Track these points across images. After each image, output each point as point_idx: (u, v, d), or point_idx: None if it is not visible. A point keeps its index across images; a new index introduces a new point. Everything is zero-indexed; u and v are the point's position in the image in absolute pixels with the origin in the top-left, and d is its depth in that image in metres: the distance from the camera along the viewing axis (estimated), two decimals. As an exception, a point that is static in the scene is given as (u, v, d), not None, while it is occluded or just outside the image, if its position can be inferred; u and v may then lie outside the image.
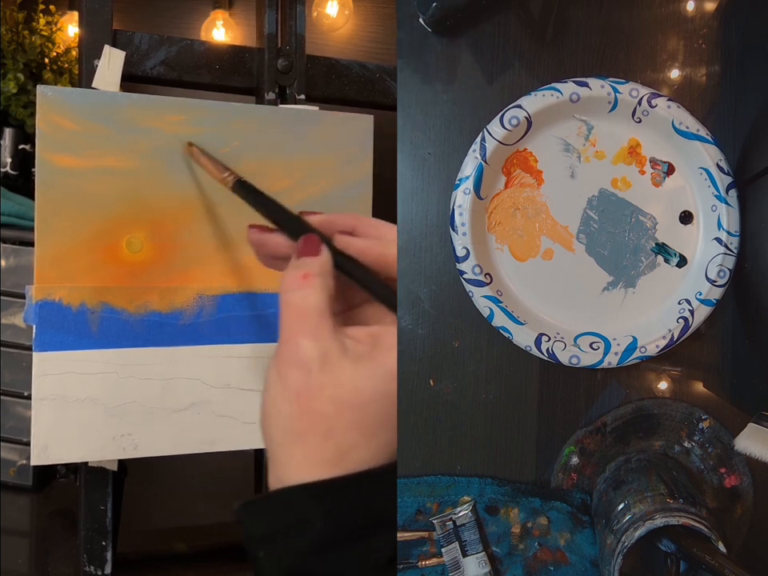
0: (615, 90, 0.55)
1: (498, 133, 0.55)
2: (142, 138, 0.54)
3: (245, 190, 0.41)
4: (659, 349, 0.56)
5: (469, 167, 0.55)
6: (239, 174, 0.43)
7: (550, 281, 0.57)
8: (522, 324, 0.55)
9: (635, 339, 0.56)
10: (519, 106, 0.55)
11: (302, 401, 0.30)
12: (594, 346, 0.56)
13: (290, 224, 0.38)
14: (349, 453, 0.30)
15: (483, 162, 0.55)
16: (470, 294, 0.55)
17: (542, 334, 0.55)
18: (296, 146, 0.58)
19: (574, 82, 0.55)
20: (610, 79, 0.55)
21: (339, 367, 0.31)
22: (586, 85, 0.55)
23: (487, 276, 0.55)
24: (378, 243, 0.36)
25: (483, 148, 0.55)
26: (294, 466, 0.31)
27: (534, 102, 0.55)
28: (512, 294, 0.57)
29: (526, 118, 0.55)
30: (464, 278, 0.55)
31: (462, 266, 0.55)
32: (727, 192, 0.55)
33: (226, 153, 0.56)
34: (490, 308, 0.55)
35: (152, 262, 0.56)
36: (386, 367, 0.31)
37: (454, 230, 0.55)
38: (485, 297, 0.55)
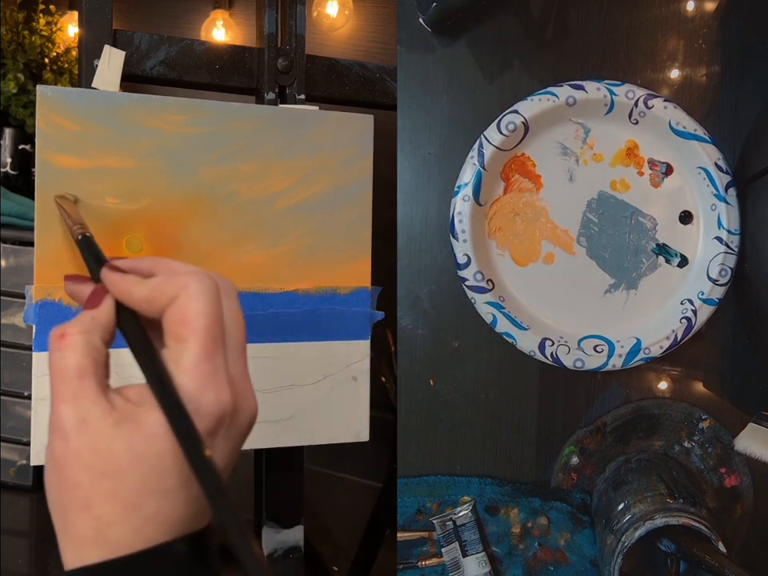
0: (611, 92, 0.55)
1: (495, 138, 0.55)
2: (142, 137, 0.54)
3: (85, 245, 0.39)
4: (663, 350, 0.56)
5: (467, 174, 0.55)
6: (89, 230, 0.41)
7: (552, 285, 0.57)
8: (526, 329, 0.55)
9: (639, 341, 0.56)
10: (516, 111, 0.55)
11: (62, 470, 0.28)
12: (598, 348, 0.56)
13: (95, 274, 0.34)
14: (108, 529, 0.27)
15: (481, 168, 0.55)
16: (473, 301, 0.55)
17: (545, 339, 0.55)
18: (296, 145, 0.58)
19: (569, 85, 0.55)
20: (606, 81, 0.55)
21: (98, 432, 0.28)
22: (581, 88, 0.55)
23: (489, 282, 0.55)
24: (140, 284, 0.32)
25: (481, 154, 0.55)
26: (63, 545, 0.29)
27: (530, 107, 0.55)
28: (514, 299, 0.57)
29: (523, 122, 0.55)
30: (466, 285, 0.55)
31: (463, 273, 0.55)
32: (726, 191, 0.55)
33: (227, 153, 0.56)
34: (493, 314, 0.55)
35: (152, 262, 0.56)
36: (144, 429, 0.28)
37: (454, 236, 0.55)
38: (487, 303, 0.55)
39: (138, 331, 0.32)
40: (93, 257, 0.36)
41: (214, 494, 0.27)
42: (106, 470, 0.28)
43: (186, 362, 0.29)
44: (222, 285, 0.33)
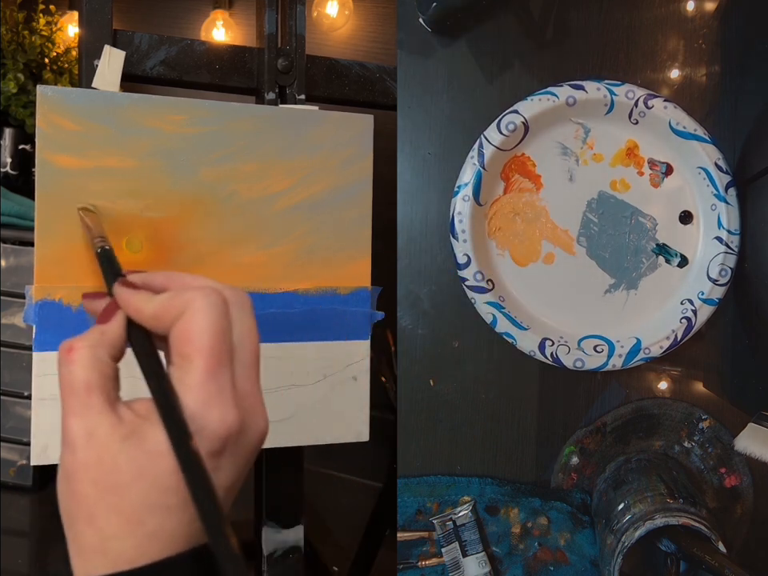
0: (611, 92, 0.55)
1: (495, 138, 0.55)
2: (142, 138, 0.54)
3: (104, 259, 0.39)
4: (663, 350, 0.56)
5: (467, 174, 0.55)
6: (109, 243, 0.41)
7: (552, 285, 0.57)
8: (526, 329, 0.55)
9: (639, 341, 0.56)
10: (516, 111, 0.55)
11: (70, 482, 0.29)
12: (598, 348, 0.56)
13: (110, 288, 0.34)
14: (111, 542, 0.28)
15: (481, 169, 0.55)
16: (473, 301, 0.55)
17: (545, 339, 0.55)
18: (296, 146, 0.58)
19: (569, 85, 0.55)
20: (606, 81, 0.55)
21: (105, 445, 0.28)
22: (581, 88, 0.55)
23: (489, 282, 0.55)
24: (150, 301, 0.32)
25: (481, 154, 0.55)
26: (72, 554, 0.29)
27: (530, 107, 0.55)
28: (514, 299, 0.57)
29: (523, 122, 0.55)
30: (466, 285, 0.55)
31: (463, 273, 0.55)
32: (726, 191, 0.55)
33: (227, 153, 0.56)
34: (493, 314, 0.55)
35: (152, 262, 0.56)
36: (148, 446, 0.28)
37: (454, 237, 0.55)
38: (487, 303, 0.55)
39: (147, 348, 0.32)
40: (110, 271, 0.37)
41: (209, 518, 0.27)
42: (111, 484, 0.28)
43: (190, 380, 0.29)
44: (233, 298, 0.32)
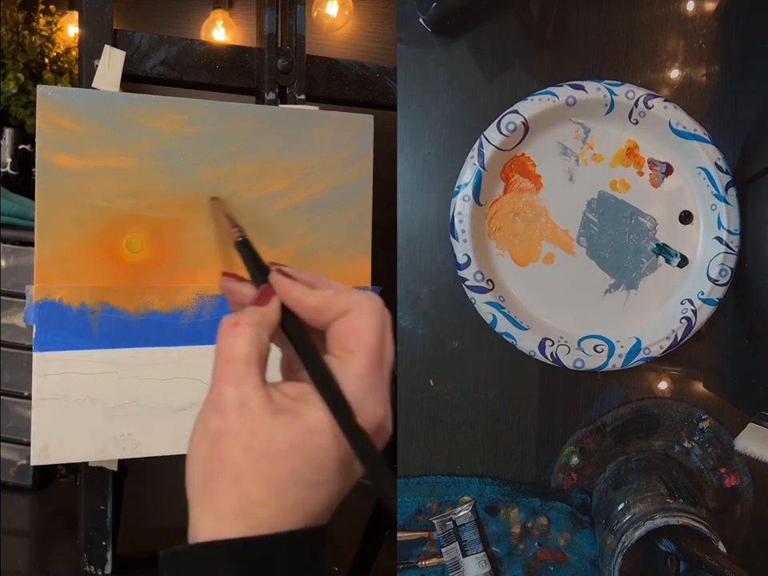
0: (611, 92, 0.55)
1: (495, 138, 0.55)
2: (142, 137, 0.54)
3: (246, 248, 0.41)
4: (663, 350, 0.56)
5: (467, 174, 0.55)
6: (246, 234, 0.43)
7: (552, 285, 0.57)
8: (526, 329, 0.55)
9: (639, 341, 0.56)
10: (516, 111, 0.55)
11: (216, 444, 0.30)
12: (598, 348, 0.56)
13: (259, 275, 0.37)
14: (255, 507, 0.29)
15: (481, 169, 0.55)
16: (473, 301, 0.55)
17: (545, 339, 0.55)
18: (296, 145, 0.58)
19: (569, 85, 0.55)
20: (606, 81, 0.55)
21: (258, 417, 0.30)
22: (581, 88, 0.55)
23: (489, 282, 0.55)
24: (311, 293, 0.34)
25: (481, 154, 0.55)
26: (201, 515, 0.30)
27: (530, 107, 0.55)
28: (514, 299, 0.57)
29: (523, 122, 0.55)
30: (466, 285, 0.55)
31: (463, 273, 0.55)
32: (726, 191, 0.55)
33: (227, 153, 0.56)
34: (493, 314, 0.55)
35: (152, 262, 0.56)
36: (306, 423, 0.30)
37: (454, 237, 0.55)
38: (487, 303, 0.55)
39: (304, 335, 0.34)
40: (254, 260, 0.39)
41: (374, 462, 0.29)
42: (265, 452, 0.29)
43: (351, 372, 0.31)
44: (388, 315, 0.34)
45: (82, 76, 0.59)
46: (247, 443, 0.29)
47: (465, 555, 0.58)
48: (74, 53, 1.46)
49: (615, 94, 0.55)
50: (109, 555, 0.64)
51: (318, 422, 0.30)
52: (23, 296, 0.52)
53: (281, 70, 0.64)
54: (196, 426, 0.31)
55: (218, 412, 0.30)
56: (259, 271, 0.37)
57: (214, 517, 0.30)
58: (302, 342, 0.33)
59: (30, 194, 1.19)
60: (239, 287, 0.37)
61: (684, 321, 0.56)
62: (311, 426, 0.30)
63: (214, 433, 0.30)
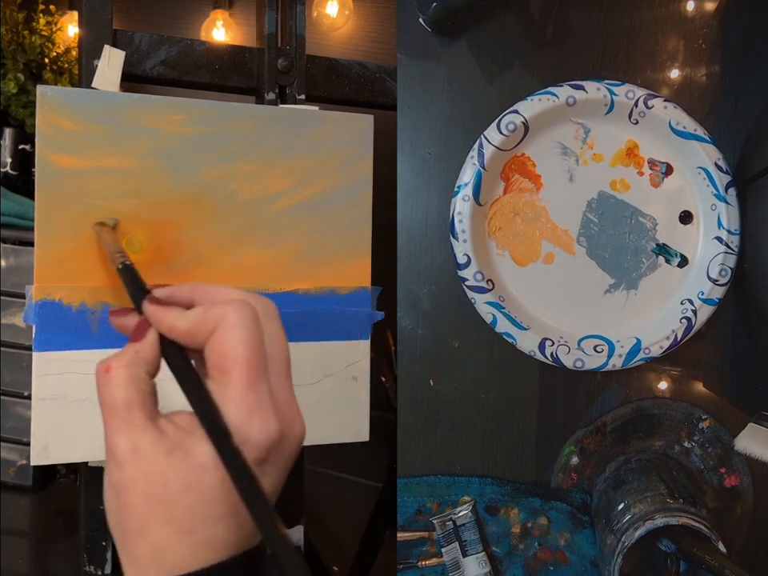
0: (611, 92, 0.55)
1: (495, 138, 0.55)
2: (142, 137, 0.54)
3: (128, 274, 0.39)
4: (663, 350, 0.56)
5: (467, 174, 0.55)
6: (129, 259, 0.41)
7: (552, 285, 0.57)
8: (526, 329, 0.55)
9: (639, 341, 0.56)
10: (516, 111, 0.55)
11: (121, 497, 0.29)
12: (598, 348, 0.56)
13: (138, 304, 0.35)
14: (165, 552, 0.29)
15: (481, 169, 0.55)
16: (473, 301, 0.55)
17: (545, 339, 0.55)
18: (296, 146, 0.58)
19: (569, 85, 0.55)
20: (606, 81, 0.55)
21: (152, 458, 0.29)
22: (581, 88, 0.55)
23: (489, 282, 0.55)
24: (181, 318, 0.32)
25: (481, 154, 0.55)
26: (124, 565, 0.30)
27: (530, 107, 0.55)
28: (514, 299, 0.57)
29: (523, 122, 0.55)
30: (466, 285, 0.55)
31: (463, 273, 0.55)
32: (726, 191, 0.55)
33: (227, 153, 0.56)
34: (493, 314, 0.55)
35: (152, 262, 0.56)
36: (195, 459, 0.29)
37: (454, 237, 0.55)
38: (487, 303, 0.55)
39: (183, 363, 0.32)
40: (135, 286, 0.37)
41: (264, 522, 0.27)
42: (160, 497, 0.29)
43: (230, 394, 0.30)
44: (261, 308, 0.33)
45: (82, 76, 0.59)
46: (145, 491, 0.29)
47: (465, 555, 0.58)
48: (74, 53, 1.46)
49: (615, 94, 0.55)
50: (109, 555, 0.64)
51: (205, 456, 0.29)
52: (23, 296, 0.52)
53: (281, 70, 0.64)
54: (104, 480, 0.31)
55: (116, 465, 0.30)
56: (140, 299, 0.35)
57: (135, 568, 0.30)
58: (181, 372, 0.32)
59: (30, 194, 1.19)
60: (126, 321, 0.35)
61: (684, 321, 0.56)
62: (200, 463, 0.29)
63: (116, 485, 0.30)
